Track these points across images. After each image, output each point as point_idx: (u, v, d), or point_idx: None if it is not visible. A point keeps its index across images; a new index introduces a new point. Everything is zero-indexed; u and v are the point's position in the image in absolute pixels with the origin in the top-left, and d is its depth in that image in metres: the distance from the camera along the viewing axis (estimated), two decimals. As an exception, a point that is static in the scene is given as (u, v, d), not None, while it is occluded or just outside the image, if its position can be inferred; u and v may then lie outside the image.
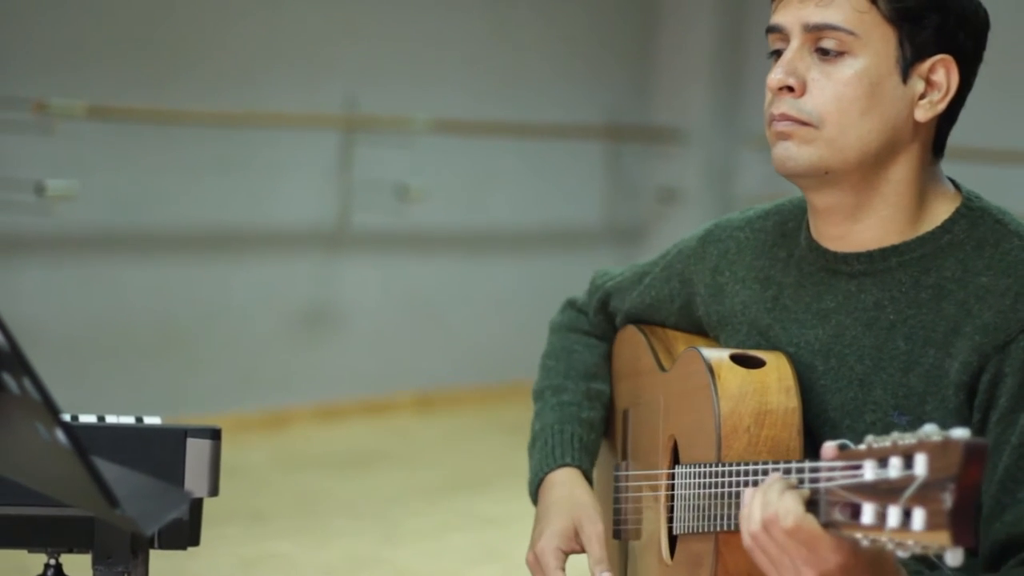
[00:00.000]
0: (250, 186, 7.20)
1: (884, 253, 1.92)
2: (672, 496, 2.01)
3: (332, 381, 7.56)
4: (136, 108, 6.67)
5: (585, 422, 2.25)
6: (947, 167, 1.99)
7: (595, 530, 2.12)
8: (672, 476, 2.02)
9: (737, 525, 1.74)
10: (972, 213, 1.92)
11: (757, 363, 1.94)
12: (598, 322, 2.33)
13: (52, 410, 1.37)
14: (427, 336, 7.97)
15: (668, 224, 8.61)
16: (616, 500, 2.24)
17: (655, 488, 2.06)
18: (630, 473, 2.19)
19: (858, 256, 1.94)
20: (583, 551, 2.14)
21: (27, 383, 1.37)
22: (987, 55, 1.98)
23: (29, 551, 1.97)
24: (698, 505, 1.92)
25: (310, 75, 7.39)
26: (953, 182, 1.98)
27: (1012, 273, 1.85)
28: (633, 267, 2.31)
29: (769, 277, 2.05)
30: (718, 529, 1.86)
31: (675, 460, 2.04)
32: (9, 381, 1.40)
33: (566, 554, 2.13)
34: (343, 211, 7.58)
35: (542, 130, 8.28)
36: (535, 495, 2.24)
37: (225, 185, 7.11)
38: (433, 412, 7.87)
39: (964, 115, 1.98)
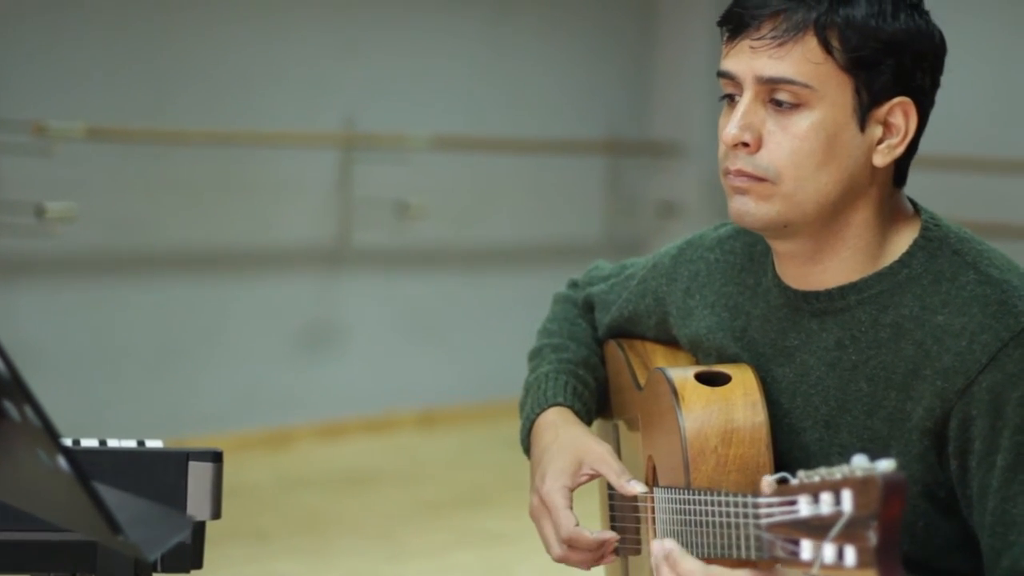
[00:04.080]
0: (250, 205, 7.21)
1: (843, 291, 1.90)
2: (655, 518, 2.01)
3: (334, 399, 7.56)
4: (135, 129, 6.67)
5: (582, 378, 2.21)
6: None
7: (603, 448, 2.05)
8: (653, 499, 2.02)
9: (708, 552, 1.75)
10: (930, 244, 1.89)
11: (723, 380, 1.93)
12: (588, 319, 2.33)
13: (53, 437, 1.37)
14: (428, 353, 7.97)
15: (668, 238, 8.57)
16: (612, 519, 2.24)
17: (644, 508, 2.06)
18: None
19: (818, 295, 1.92)
20: (590, 480, 2.07)
21: (28, 410, 1.37)
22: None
23: (32, 576, 1.97)
24: (674, 530, 1.91)
25: (309, 94, 7.39)
26: (913, 203, 1.95)
27: (967, 312, 1.82)
28: (620, 271, 2.29)
29: (738, 305, 2.04)
30: (694, 555, 1.85)
31: (656, 480, 2.04)
32: (10, 408, 1.40)
33: (572, 491, 2.05)
34: (343, 229, 7.58)
35: (541, 146, 8.29)
36: (527, 444, 2.17)
37: (225, 205, 7.12)
38: (435, 429, 7.86)
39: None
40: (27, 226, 6.23)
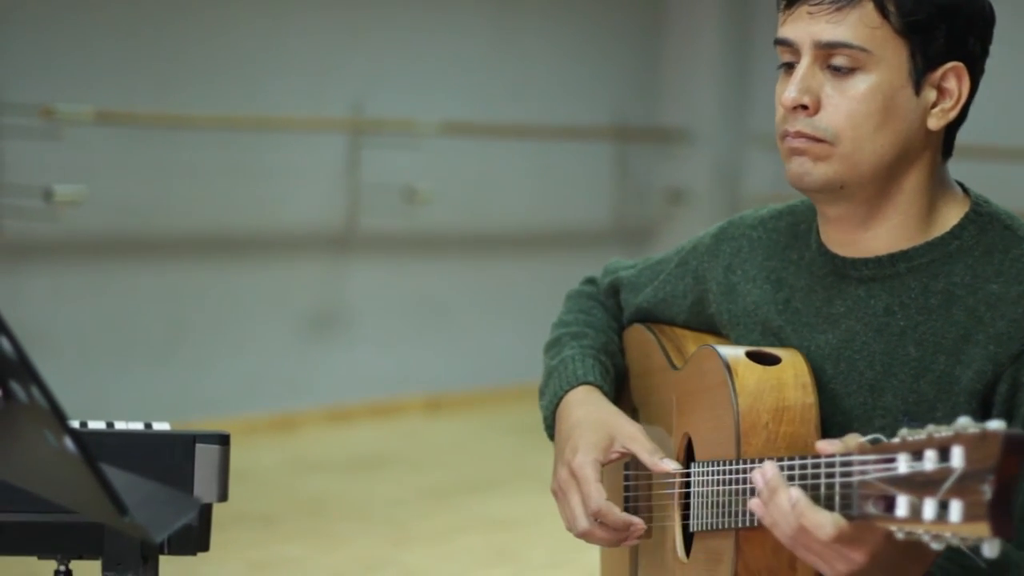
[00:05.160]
0: (258, 190, 7.21)
1: (893, 259, 1.93)
2: (687, 494, 2.01)
3: (341, 384, 7.57)
4: (143, 113, 6.68)
5: (604, 364, 2.21)
6: (952, 166, 1.99)
7: (635, 427, 2.06)
8: (687, 474, 2.01)
9: (758, 521, 1.75)
10: (981, 219, 1.92)
11: (773, 360, 1.95)
12: (610, 305, 2.33)
13: (60, 418, 1.37)
14: (435, 338, 7.97)
15: (676, 224, 8.61)
16: (626, 500, 2.24)
17: (668, 486, 2.06)
18: (640, 472, 2.18)
19: (866, 262, 1.94)
20: (621, 458, 2.07)
21: (35, 391, 1.37)
22: (999, 53, 1.98)
23: (39, 558, 1.97)
24: (717, 502, 1.92)
25: (317, 79, 7.39)
26: (961, 185, 1.98)
27: (1022, 280, 1.86)
28: (647, 261, 2.31)
29: (781, 279, 2.06)
30: (738, 525, 1.86)
31: (689, 457, 2.04)
32: (17, 389, 1.40)
33: (603, 467, 2.05)
34: (351, 214, 7.58)
35: (549, 131, 8.28)
36: (552, 424, 2.16)
37: (233, 189, 7.12)
38: (442, 414, 7.87)
39: (979, 113, 1.99)
40: (35, 210, 6.23)
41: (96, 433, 1.95)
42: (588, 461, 2.03)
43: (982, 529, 1.42)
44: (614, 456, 2.06)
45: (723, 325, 2.13)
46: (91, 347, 6.68)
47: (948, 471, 1.45)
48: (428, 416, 7.83)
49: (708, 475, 1.95)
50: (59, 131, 6.32)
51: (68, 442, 1.38)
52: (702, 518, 1.97)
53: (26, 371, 1.37)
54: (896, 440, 1.53)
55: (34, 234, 6.43)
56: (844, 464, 1.61)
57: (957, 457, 1.45)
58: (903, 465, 1.50)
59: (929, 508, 1.46)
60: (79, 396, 6.34)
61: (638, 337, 2.26)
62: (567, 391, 2.16)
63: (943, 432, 1.47)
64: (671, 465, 2.01)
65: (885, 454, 1.53)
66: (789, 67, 1.93)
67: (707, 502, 1.95)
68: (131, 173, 6.76)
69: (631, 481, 2.21)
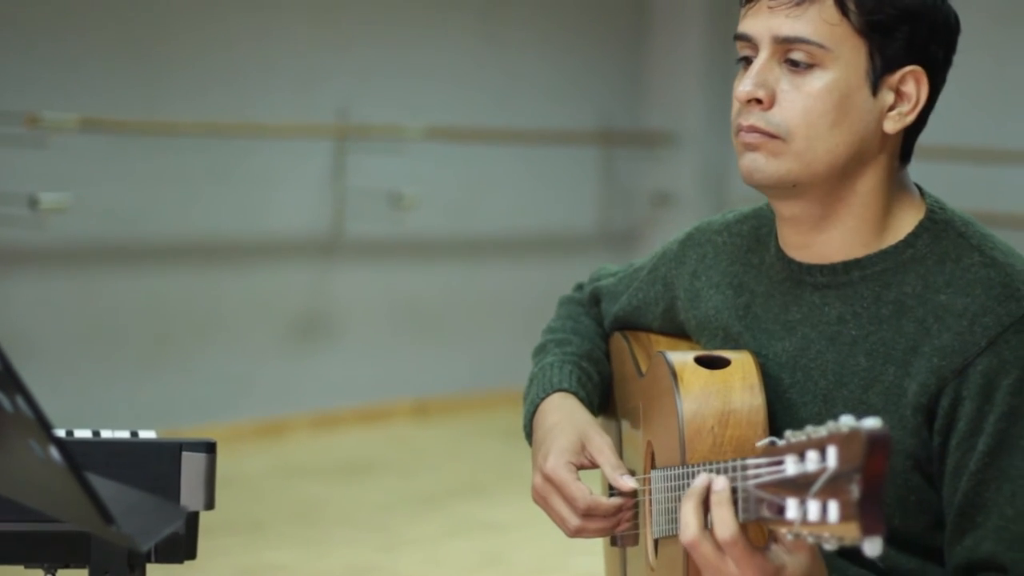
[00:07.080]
0: (244, 196, 7.20)
1: (847, 266, 1.91)
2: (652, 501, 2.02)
3: (328, 390, 7.56)
4: (129, 120, 6.67)
5: (586, 370, 2.22)
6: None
7: (604, 439, 2.06)
8: (650, 481, 2.02)
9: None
10: (936, 226, 1.90)
11: (722, 363, 1.94)
12: (594, 313, 2.34)
13: (45, 428, 1.37)
14: (423, 343, 7.97)
15: (662, 228, 8.61)
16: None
17: (643, 494, 2.07)
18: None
19: (821, 268, 1.93)
20: (592, 466, 2.07)
21: (20, 400, 1.37)
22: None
23: (26, 567, 1.97)
24: (668, 508, 1.92)
25: (302, 84, 7.39)
26: (918, 187, 1.96)
27: (970, 292, 1.83)
28: (628, 268, 2.31)
29: (742, 284, 2.05)
30: None
31: (654, 465, 2.05)
32: (2, 399, 1.40)
33: (578, 468, 2.05)
34: (337, 220, 7.58)
35: (535, 136, 8.29)
36: (529, 429, 2.17)
37: (219, 195, 7.11)
38: (430, 419, 7.87)
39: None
40: (21, 217, 6.22)
41: (82, 442, 1.95)
42: (561, 464, 2.04)
43: (853, 529, 1.44)
44: (585, 462, 2.07)
45: (692, 332, 2.13)
46: (77, 355, 6.67)
47: (824, 471, 1.47)
48: (416, 421, 7.83)
49: (660, 482, 1.95)
50: (44, 139, 6.31)
51: (54, 452, 1.38)
52: (660, 524, 1.97)
53: (11, 380, 1.37)
54: (783, 442, 1.54)
55: (19, 242, 6.42)
56: (743, 468, 1.62)
57: (831, 457, 1.46)
58: (791, 467, 1.52)
59: (813, 509, 1.48)
60: (65, 404, 6.33)
61: (616, 346, 2.28)
62: (543, 398, 2.16)
63: (820, 432, 1.49)
64: (629, 483, 2.01)
65: (775, 456, 1.54)
66: (747, 62, 1.92)
67: (662, 509, 1.95)
68: (117, 180, 6.75)
69: (615, 492, 2.22)
